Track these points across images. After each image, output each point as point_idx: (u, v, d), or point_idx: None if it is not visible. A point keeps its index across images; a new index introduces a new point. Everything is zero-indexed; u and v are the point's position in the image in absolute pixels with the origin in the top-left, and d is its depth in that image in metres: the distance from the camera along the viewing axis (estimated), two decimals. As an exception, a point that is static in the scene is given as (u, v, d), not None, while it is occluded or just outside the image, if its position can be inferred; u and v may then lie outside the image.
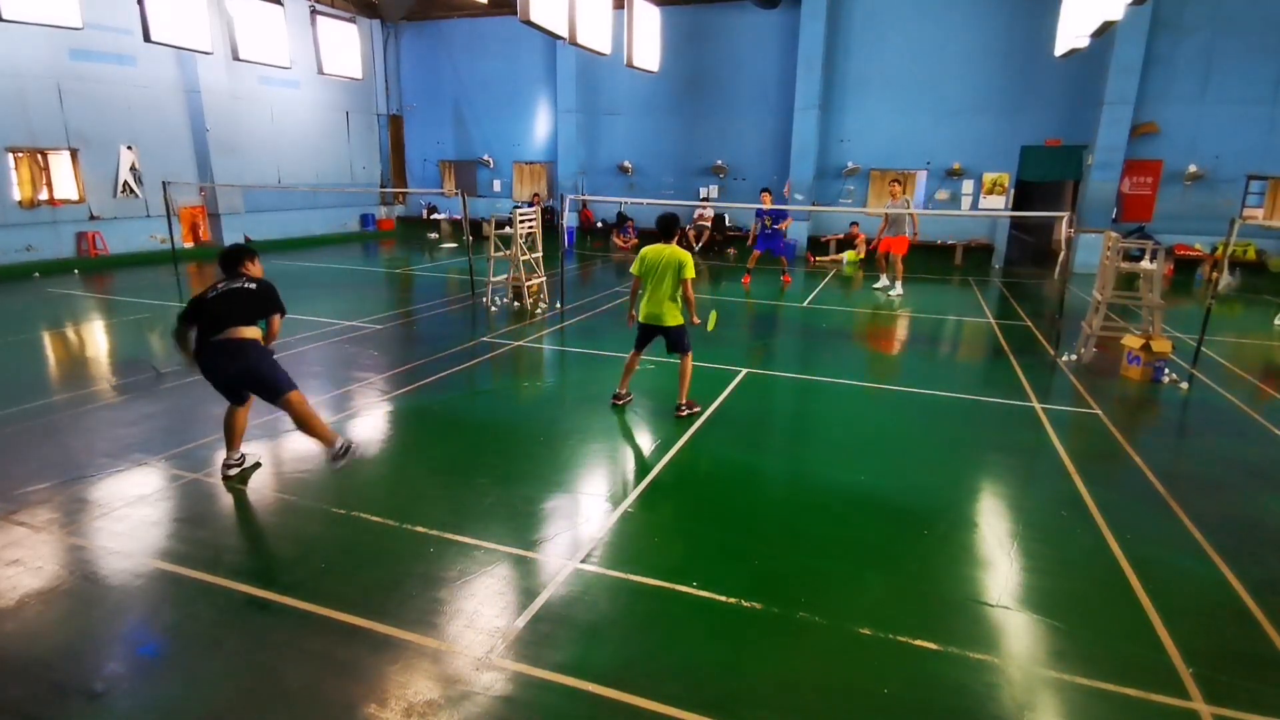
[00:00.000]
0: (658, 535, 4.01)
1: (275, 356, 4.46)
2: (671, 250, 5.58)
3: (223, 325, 4.24)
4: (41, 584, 3.35)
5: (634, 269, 5.72)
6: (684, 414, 5.73)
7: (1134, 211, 14.73)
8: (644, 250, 5.69)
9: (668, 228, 5.71)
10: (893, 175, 15.66)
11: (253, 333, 4.33)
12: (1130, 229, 14.33)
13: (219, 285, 4.39)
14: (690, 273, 5.52)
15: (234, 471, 4.57)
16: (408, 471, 4.84)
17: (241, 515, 4.12)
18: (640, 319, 5.76)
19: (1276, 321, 10.27)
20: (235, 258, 4.55)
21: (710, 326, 6.10)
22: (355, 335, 8.34)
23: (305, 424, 4.31)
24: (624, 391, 6.04)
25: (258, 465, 4.73)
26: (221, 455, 4.75)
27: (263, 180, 16.85)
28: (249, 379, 4.31)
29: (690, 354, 5.80)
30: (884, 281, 12.15)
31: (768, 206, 11.97)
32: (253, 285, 4.44)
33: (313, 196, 18.41)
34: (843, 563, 3.71)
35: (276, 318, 4.48)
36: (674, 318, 5.64)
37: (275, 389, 4.26)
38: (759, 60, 16.77)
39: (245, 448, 4.68)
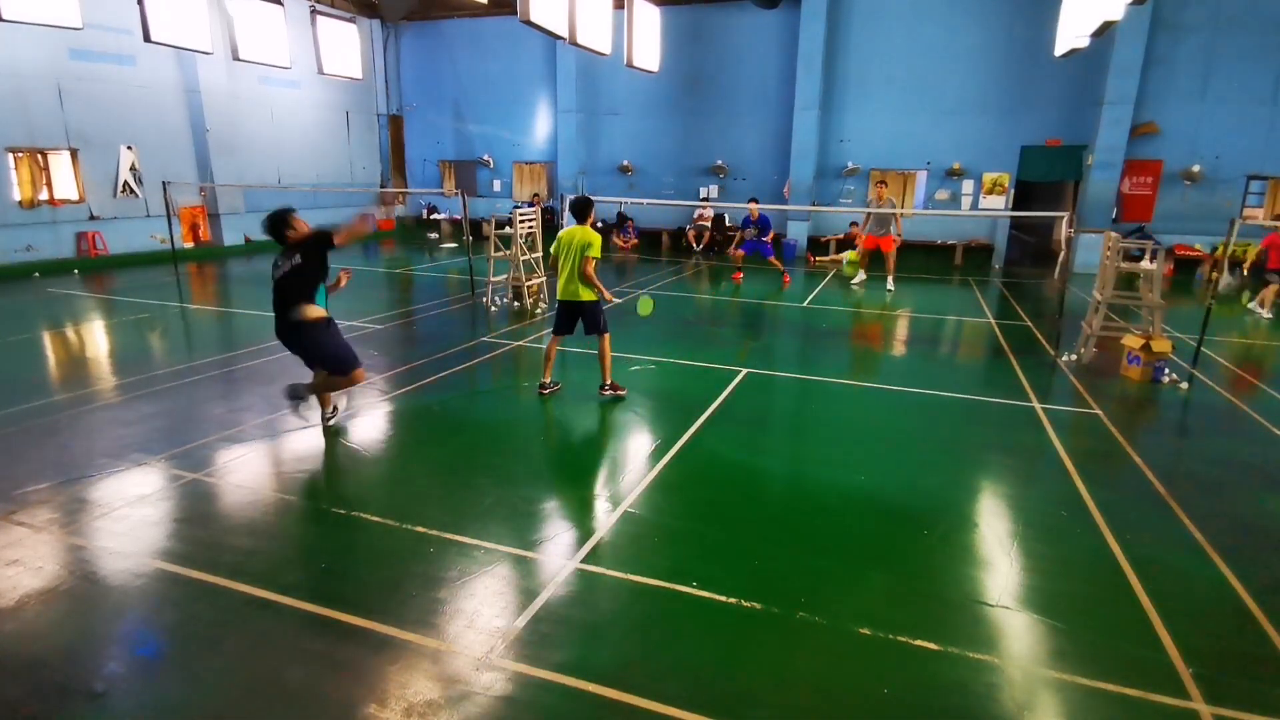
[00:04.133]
0: (658, 535, 4.01)
1: (289, 353, 5.08)
2: (583, 231, 5.87)
3: (279, 309, 4.84)
4: (41, 584, 3.35)
5: (552, 249, 6.04)
6: (607, 394, 5.95)
7: (1134, 211, 14.72)
8: (560, 232, 6.01)
9: (580, 210, 5.99)
10: (878, 176, 15.69)
11: (315, 313, 4.83)
12: (1130, 229, 14.34)
13: (278, 261, 4.84)
14: (595, 253, 5.80)
15: (331, 422, 5.33)
16: (408, 471, 4.84)
17: (241, 515, 4.12)
18: (559, 297, 6.02)
19: (1249, 304, 10.36)
20: (276, 228, 4.88)
21: (645, 312, 6.18)
22: (355, 335, 8.33)
23: (326, 388, 5.13)
24: (548, 380, 6.21)
25: (337, 409, 5.43)
26: (221, 454, 4.77)
27: (263, 180, 16.84)
28: (309, 356, 5.08)
29: (608, 335, 6.00)
30: (862, 277, 12.71)
31: (755, 216, 12.02)
32: (297, 261, 4.75)
33: (313, 196, 18.39)
34: (843, 563, 3.71)
35: (329, 246, 4.78)
36: (587, 294, 5.90)
37: (321, 360, 5.03)
38: (759, 60, 16.77)
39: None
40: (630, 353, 6.20)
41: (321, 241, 4.75)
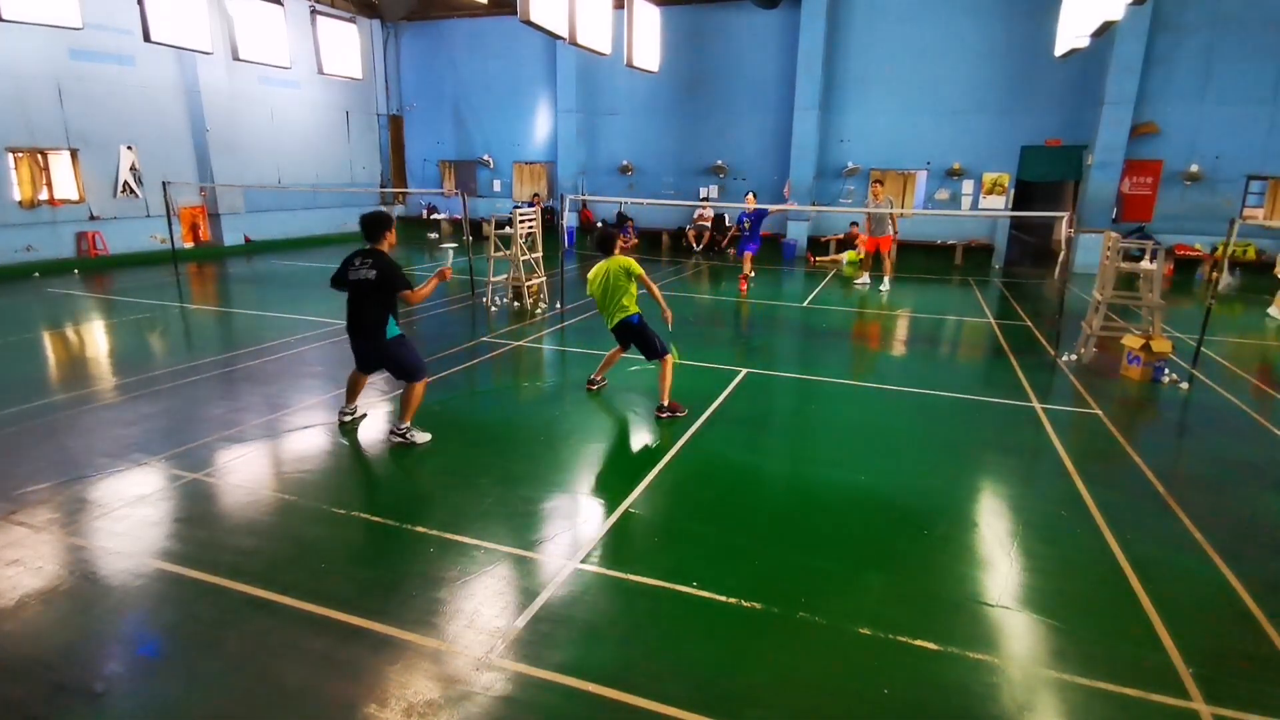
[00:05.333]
0: (658, 535, 4.01)
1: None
2: (614, 262, 5.88)
3: (350, 316, 4.96)
4: (41, 584, 3.35)
5: (589, 291, 6.01)
6: (665, 416, 5.72)
7: (1134, 211, 14.72)
8: (591, 272, 5.97)
9: (604, 243, 6.04)
10: (878, 175, 15.70)
11: (377, 314, 4.90)
12: (1130, 229, 14.33)
13: (355, 261, 4.89)
14: (639, 270, 5.84)
15: (346, 419, 5.40)
16: (408, 471, 4.83)
17: (241, 515, 4.12)
18: (610, 326, 6.02)
19: (1270, 311, 10.32)
20: (375, 227, 4.95)
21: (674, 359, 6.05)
22: (355, 335, 8.33)
23: (404, 400, 5.05)
24: (599, 378, 6.35)
25: (364, 416, 5.56)
26: (221, 454, 4.77)
27: (263, 180, 16.84)
28: (384, 365, 5.18)
29: (669, 356, 5.85)
30: (865, 279, 12.65)
31: (751, 209, 11.73)
32: (372, 274, 4.82)
33: (313, 196, 18.41)
34: (843, 563, 3.71)
35: (406, 294, 4.91)
36: (629, 310, 5.86)
37: (402, 372, 5.08)
38: (759, 60, 16.76)
39: (249, 447, 4.72)
40: (631, 353, 6.20)
41: (399, 286, 4.89)
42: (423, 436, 5.10)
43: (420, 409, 5.13)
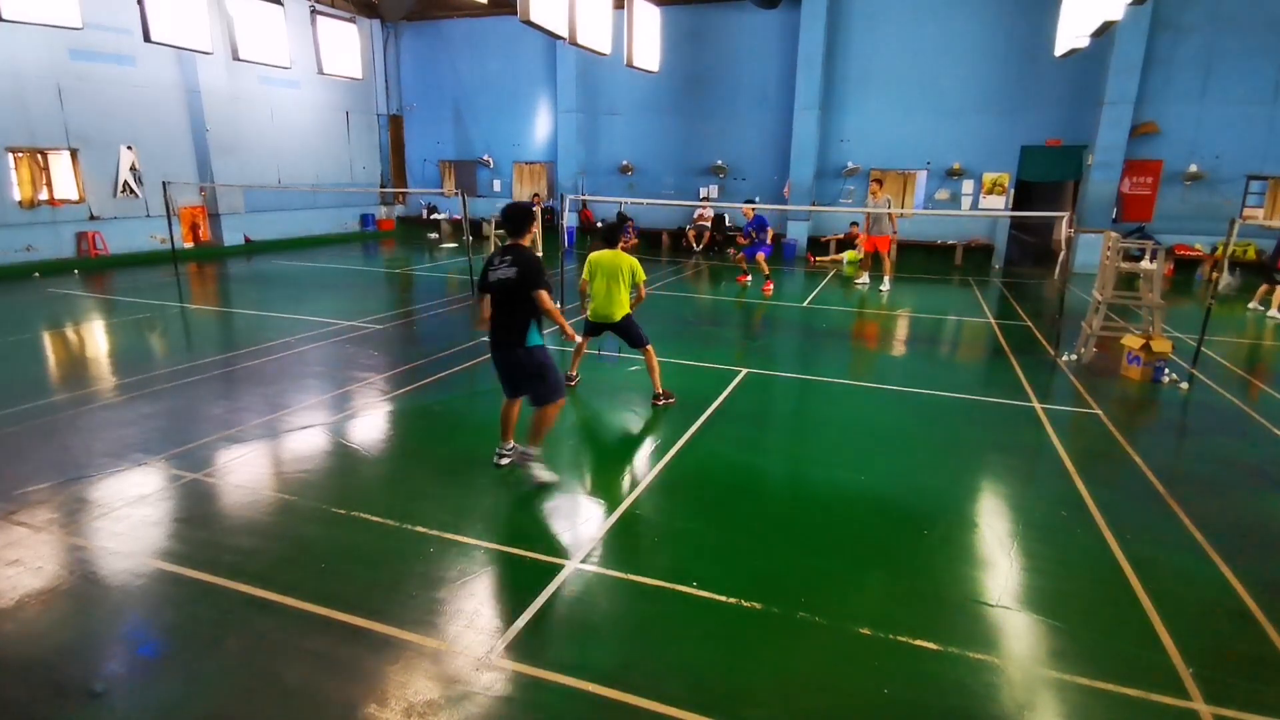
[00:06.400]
0: (658, 535, 4.01)
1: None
2: (615, 255, 5.95)
3: (494, 324, 4.47)
4: (41, 584, 3.35)
5: (585, 273, 6.09)
6: (660, 404, 5.91)
7: (1134, 211, 14.72)
8: (592, 255, 6.06)
9: (610, 235, 6.08)
10: (877, 175, 15.71)
11: (520, 318, 4.38)
12: (1130, 229, 14.33)
13: (495, 261, 4.40)
14: (643, 276, 6.00)
15: (504, 462, 4.70)
16: (408, 471, 4.84)
17: (241, 515, 4.12)
18: (591, 318, 6.10)
19: (1269, 312, 10.34)
20: (518, 220, 4.44)
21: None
22: (355, 335, 8.33)
23: (541, 424, 4.50)
24: (574, 373, 6.41)
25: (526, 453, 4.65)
26: (221, 454, 4.77)
27: (263, 180, 16.84)
28: (520, 375, 4.50)
29: (650, 346, 6.02)
30: (865, 279, 12.72)
31: (749, 218, 11.81)
32: (512, 272, 4.32)
33: (313, 196, 18.40)
34: (843, 563, 3.71)
35: (540, 294, 4.34)
36: (621, 311, 5.97)
37: (536, 393, 4.48)
38: (759, 60, 16.76)
39: (249, 449, 4.69)
40: (631, 352, 6.20)
41: (536, 285, 4.32)
42: (549, 475, 4.50)
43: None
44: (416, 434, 5.53)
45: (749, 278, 12.45)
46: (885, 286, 12.12)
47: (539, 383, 4.45)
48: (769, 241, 11.98)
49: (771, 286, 11.75)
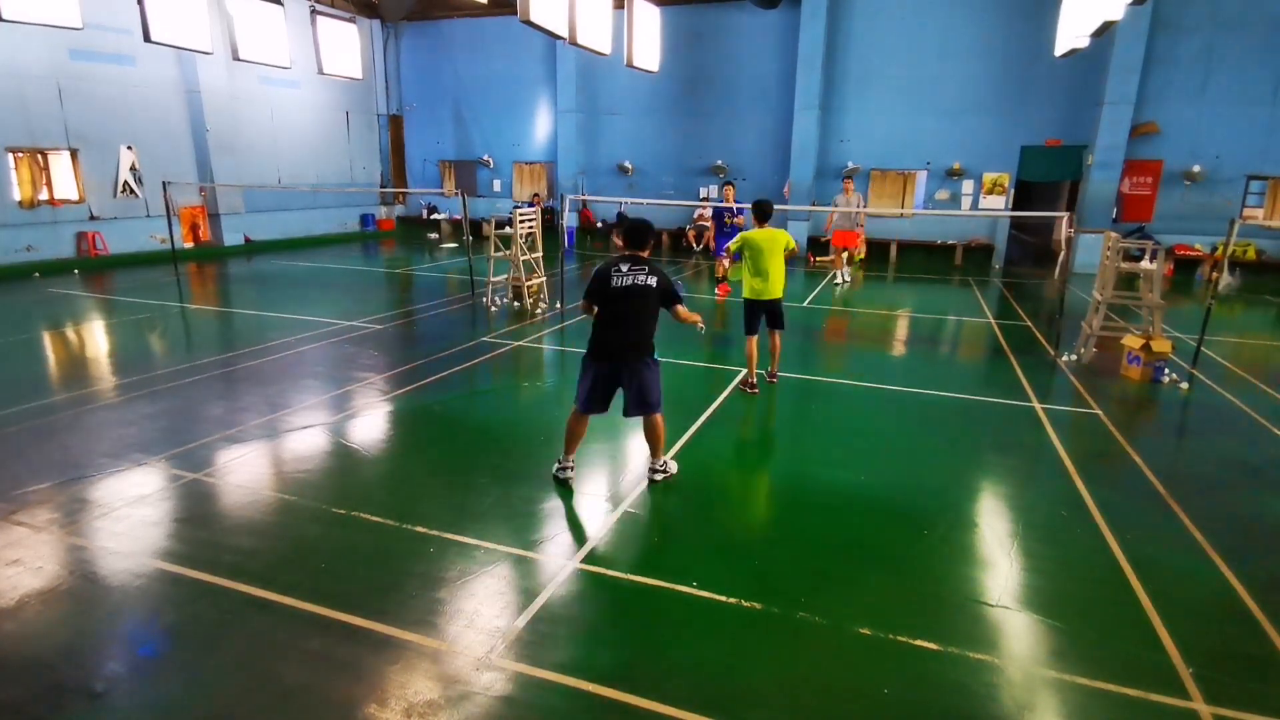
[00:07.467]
0: (658, 535, 4.01)
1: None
2: (776, 232, 6.03)
3: (614, 331, 4.22)
4: (41, 584, 3.35)
5: (747, 252, 6.02)
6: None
7: (1134, 211, 14.72)
8: (750, 234, 6.04)
9: (765, 211, 6.10)
10: (845, 173, 15.78)
11: (650, 328, 4.28)
12: (1130, 229, 14.33)
13: (622, 268, 4.19)
14: (793, 244, 6.14)
15: (565, 475, 4.52)
16: (408, 471, 4.84)
17: (241, 515, 4.12)
18: (765, 297, 6.14)
19: None
20: (643, 235, 4.32)
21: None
22: (355, 335, 8.34)
23: (653, 437, 4.46)
24: (753, 379, 6.45)
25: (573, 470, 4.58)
26: (221, 454, 4.76)
27: (263, 180, 16.84)
28: (637, 385, 4.29)
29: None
30: (840, 276, 13.12)
31: (730, 203, 11.18)
32: (654, 280, 4.17)
33: (313, 196, 18.40)
34: (843, 563, 3.71)
35: (679, 308, 4.31)
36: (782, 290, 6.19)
37: (648, 403, 4.33)
38: (759, 60, 16.76)
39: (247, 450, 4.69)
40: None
41: (678, 297, 4.32)
42: (673, 465, 4.64)
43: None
44: (416, 434, 5.53)
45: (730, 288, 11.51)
46: (846, 279, 12.72)
47: (653, 392, 4.33)
48: (739, 223, 10.98)
49: (727, 291, 11.13)
